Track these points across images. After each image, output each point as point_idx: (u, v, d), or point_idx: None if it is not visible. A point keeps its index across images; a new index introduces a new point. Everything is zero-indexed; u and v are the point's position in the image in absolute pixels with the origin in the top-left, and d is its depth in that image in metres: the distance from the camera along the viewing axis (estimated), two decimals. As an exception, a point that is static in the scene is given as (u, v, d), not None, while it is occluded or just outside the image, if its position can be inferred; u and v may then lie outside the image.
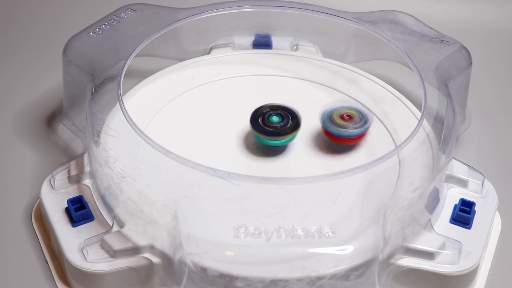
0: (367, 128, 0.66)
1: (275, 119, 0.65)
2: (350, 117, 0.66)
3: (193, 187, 0.61)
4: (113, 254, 0.59)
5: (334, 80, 0.75)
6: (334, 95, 0.73)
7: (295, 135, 0.65)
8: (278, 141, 0.65)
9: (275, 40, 0.80)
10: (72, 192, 0.65)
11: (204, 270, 0.56)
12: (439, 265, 0.59)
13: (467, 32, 0.88)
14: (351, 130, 0.66)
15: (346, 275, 0.56)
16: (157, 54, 0.77)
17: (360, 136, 0.66)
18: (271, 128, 0.65)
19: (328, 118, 0.66)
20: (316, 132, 0.69)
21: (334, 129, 0.65)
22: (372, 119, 0.67)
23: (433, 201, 0.63)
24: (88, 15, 0.80)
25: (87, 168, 0.65)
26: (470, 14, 0.92)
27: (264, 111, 0.66)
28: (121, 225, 0.60)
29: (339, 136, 0.66)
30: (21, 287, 0.62)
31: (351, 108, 0.67)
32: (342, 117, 0.66)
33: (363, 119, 0.66)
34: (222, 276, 0.56)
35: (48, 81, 0.81)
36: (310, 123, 0.69)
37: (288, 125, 0.65)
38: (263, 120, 0.65)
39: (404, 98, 0.72)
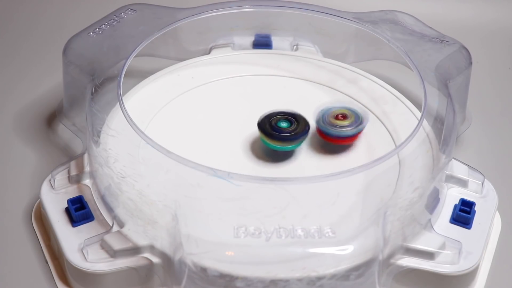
0: (362, 129, 0.66)
1: (283, 124, 0.65)
2: (344, 116, 0.66)
3: (193, 187, 0.61)
4: (113, 254, 0.59)
5: (334, 80, 0.75)
6: (334, 95, 0.73)
7: (303, 141, 0.65)
8: (285, 147, 0.65)
9: (275, 40, 0.80)
10: (72, 192, 0.65)
11: (204, 270, 0.56)
12: (439, 265, 0.59)
13: (467, 32, 0.88)
14: (345, 129, 0.65)
15: (346, 275, 0.56)
16: (157, 54, 0.77)
17: (354, 136, 0.66)
18: (280, 133, 0.64)
19: (322, 117, 0.66)
20: (315, 133, 0.69)
21: (327, 129, 0.65)
22: (367, 119, 0.66)
23: (433, 201, 0.63)
24: (88, 15, 0.80)
25: (87, 168, 0.65)
26: (470, 14, 0.92)
27: (273, 116, 0.65)
28: (121, 225, 0.60)
29: (332, 136, 0.66)
30: (21, 287, 0.62)
31: (346, 108, 0.67)
32: (336, 117, 0.66)
33: (358, 119, 0.66)
34: (222, 276, 0.56)
35: (48, 81, 0.81)
36: (310, 124, 0.69)
37: (297, 130, 0.65)
38: (270, 125, 0.65)
39: (404, 98, 0.72)
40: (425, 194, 0.61)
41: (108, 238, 0.59)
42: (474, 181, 0.66)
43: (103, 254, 0.59)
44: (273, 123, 0.65)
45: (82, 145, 0.70)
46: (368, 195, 0.62)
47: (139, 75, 0.74)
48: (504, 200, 0.67)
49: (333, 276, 0.56)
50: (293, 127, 0.65)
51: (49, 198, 0.64)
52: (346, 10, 0.77)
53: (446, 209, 0.64)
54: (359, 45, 0.78)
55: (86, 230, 0.61)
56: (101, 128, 0.66)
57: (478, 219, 0.64)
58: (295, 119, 0.65)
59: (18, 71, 0.83)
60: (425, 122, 0.67)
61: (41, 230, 0.65)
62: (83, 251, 0.59)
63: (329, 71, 0.76)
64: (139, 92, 0.72)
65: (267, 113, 0.66)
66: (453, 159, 0.66)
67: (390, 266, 0.59)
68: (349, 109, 0.67)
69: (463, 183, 0.66)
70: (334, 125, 0.65)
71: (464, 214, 0.63)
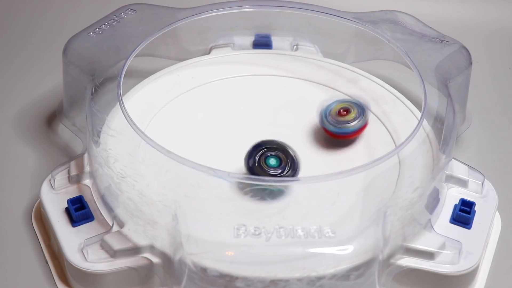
0: (366, 119, 0.66)
1: (272, 162, 0.62)
2: (347, 111, 0.66)
3: (193, 187, 0.61)
4: (113, 254, 0.59)
5: (334, 80, 0.75)
6: (334, 95, 0.73)
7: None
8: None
9: (275, 40, 0.80)
10: (72, 192, 0.64)
11: (204, 270, 0.56)
12: (439, 265, 0.59)
13: (467, 32, 0.88)
14: (351, 124, 0.65)
15: (346, 275, 0.56)
16: (157, 54, 0.77)
17: (360, 129, 0.66)
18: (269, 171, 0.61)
19: (325, 117, 0.66)
20: (315, 133, 0.69)
21: (333, 127, 0.65)
22: (369, 106, 0.66)
23: (433, 201, 0.63)
24: (88, 15, 0.80)
25: (87, 168, 0.65)
26: (470, 14, 0.92)
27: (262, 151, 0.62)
28: (121, 225, 0.60)
29: (339, 133, 0.66)
30: (21, 287, 0.62)
31: (346, 102, 0.67)
32: (339, 113, 0.66)
33: (360, 111, 0.66)
34: (222, 276, 0.56)
35: (48, 81, 0.81)
36: (310, 124, 0.69)
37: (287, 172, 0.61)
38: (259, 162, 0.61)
39: (404, 98, 0.72)
40: (425, 194, 0.61)
41: (108, 238, 0.59)
42: (474, 181, 0.66)
43: (103, 254, 0.59)
44: (261, 160, 0.61)
45: (82, 145, 0.70)
46: (368, 195, 0.62)
47: (139, 75, 0.74)
48: (504, 200, 0.67)
49: (333, 276, 0.56)
50: (283, 164, 0.61)
51: (49, 198, 0.64)
52: (346, 10, 0.76)
53: (446, 209, 0.64)
54: (359, 45, 0.78)
55: (86, 230, 0.61)
56: (101, 128, 0.66)
57: (478, 219, 0.64)
58: (284, 154, 0.62)
59: (18, 71, 0.83)
60: (425, 122, 0.67)
61: (41, 230, 0.65)
62: (83, 251, 0.59)
63: (329, 71, 0.76)
64: (139, 92, 0.72)
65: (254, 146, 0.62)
66: (453, 159, 0.66)
67: (390, 266, 0.59)
68: (348, 102, 0.67)
69: (463, 183, 0.66)
70: (340, 122, 0.65)
71: (464, 214, 0.63)
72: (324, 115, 0.66)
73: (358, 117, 0.66)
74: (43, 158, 0.72)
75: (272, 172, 0.61)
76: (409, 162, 0.64)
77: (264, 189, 0.61)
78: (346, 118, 0.66)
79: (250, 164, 0.61)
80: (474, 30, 0.90)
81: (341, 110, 0.66)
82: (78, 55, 0.70)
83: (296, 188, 0.61)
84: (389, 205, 0.60)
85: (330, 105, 0.66)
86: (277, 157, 0.62)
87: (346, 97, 0.67)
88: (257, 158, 0.61)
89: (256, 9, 0.77)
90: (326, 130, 0.66)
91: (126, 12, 0.75)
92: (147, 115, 0.69)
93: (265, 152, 0.62)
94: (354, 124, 0.66)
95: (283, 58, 0.77)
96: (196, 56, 0.78)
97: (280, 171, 0.61)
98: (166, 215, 0.58)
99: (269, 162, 0.61)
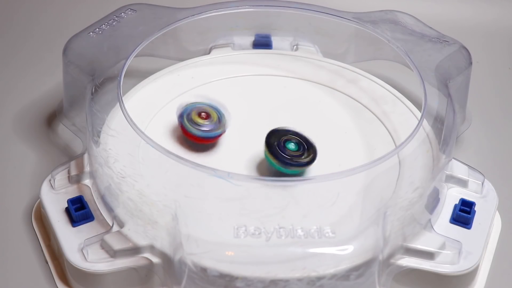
0: (221, 133, 0.65)
1: (292, 146, 0.63)
2: (207, 115, 0.65)
3: (193, 187, 0.61)
4: (113, 254, 0.59)
5: (334, 80, 0.75)
6: (334, 95, 0.73)
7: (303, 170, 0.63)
8: (292, 171, 0.63)
9: (275, 40, 0.80)
10: (72, 192, 0.65)
11: (204, 270, 0.56)
12: (439, 265, 0.59)
13: (467, 32, 0.88)
14: (204, 128, 0.65)
15: (346, 275, 0.56)
16: (157, 54, 0.77)
17: (214, 138, 0.66)
18: (288, 156, 0.62)
19: (186, 113, 0.65)
20: (315, 133, 0.69)
21: (189, 127, 0.65)
22: (228, 124, 0.65)
23: (433, 201, 0.63)
24: (88, 15, 0.80)
25: (87, 168, 0.65)
26: (470, 14, 0.92)
27: (280, 136, 0.63)
28: (121, 225, 0.60)
29: (193, 135, 0.65)
30: (21, 287, 0.62)
31: (211, 107, 0.66)
32: (199, 115, 0.65)
33: (221, 121, 0.65)
34: (222, 276, 0.56)
35: (48, 81, 0.81)
36: (310, 124, 0.69)
37: (305, 156, 0.63)
38: (279, 146, 0.63)
39: (404, 98, 0.73)
40: (425, 194, 0.61)
41: (108, 238, 0.59)
42: (474, 181, 0.66)
43: (103, 254, 0.59)
44: (281, 142, 0.63)
45: (82, 145, 0.70)
46: (368, 195, 0.62)
47: (139, 75, 0.74)
48: (504, 200, 0.67)
49: (333, 276, 0.56)
50: (300, 152, 0.63)
51: (49, 198, 0.64)
52: (346, 10, 0.77)
53: (446, 209, 0.64)
54: (359, 45, 0.78)
55: (86, 230, 0.61)
56: (101, 128, 0.66)
57: (478, 219, 0.64)
58: (305, 144, 0.63)
59: (18, 71, 0.83)
60: (425, 122, 0.67)
61: (41, 230, 0.65)
62: (83, 251, 0.59)
63: (329, 71, 0.76)
64: (139, 92, 0.72)
65: (278, 129, 0.64)
66: (453, 159, 0.66)
67: (390, 266, 0.59)
68: (215, 109, 0.66)
69: (463, 183, 0.66)
70: (195, 122, 0.65)
71: (464, 214, 0.63)
72: (186, 114, 0.65)
73: (217, 123, 0.65)
74: (43, 158, 0.72)
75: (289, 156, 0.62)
76: (409, 162, 0.64)
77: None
78: (206, 122, 0.65)
79: (271, 142, 0.62)
80: (474, 30, 0.90)
81: (201, 113, 0.65)
82: (78, 55, 0.70)
83: (296, 188, 0.61)
84: (389, 205, 0.60)
85: (191, 105, 0.66)
86: (296, 143, 0.63)
87: (207, 102, 0.67)
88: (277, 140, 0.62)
89: (256, 9, 0.77)
90: (183, 129, 0.65)
91: (126, 12, 0.75)
92: (147, 115, 0.69)
93: (285, 138, 0.63)
94: (210, 129, 0.65)
95: (283, 58, 0.77)
96: (196, 56, 0.78)
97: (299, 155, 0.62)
98: (166, 215, 0.58)
99: (289, 146, 0.63)
